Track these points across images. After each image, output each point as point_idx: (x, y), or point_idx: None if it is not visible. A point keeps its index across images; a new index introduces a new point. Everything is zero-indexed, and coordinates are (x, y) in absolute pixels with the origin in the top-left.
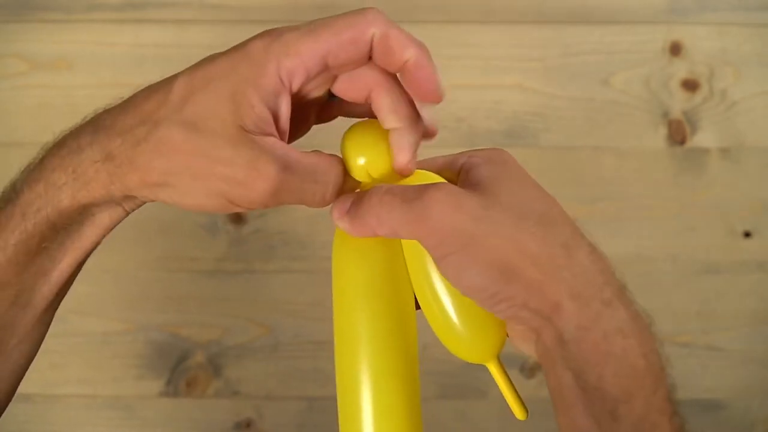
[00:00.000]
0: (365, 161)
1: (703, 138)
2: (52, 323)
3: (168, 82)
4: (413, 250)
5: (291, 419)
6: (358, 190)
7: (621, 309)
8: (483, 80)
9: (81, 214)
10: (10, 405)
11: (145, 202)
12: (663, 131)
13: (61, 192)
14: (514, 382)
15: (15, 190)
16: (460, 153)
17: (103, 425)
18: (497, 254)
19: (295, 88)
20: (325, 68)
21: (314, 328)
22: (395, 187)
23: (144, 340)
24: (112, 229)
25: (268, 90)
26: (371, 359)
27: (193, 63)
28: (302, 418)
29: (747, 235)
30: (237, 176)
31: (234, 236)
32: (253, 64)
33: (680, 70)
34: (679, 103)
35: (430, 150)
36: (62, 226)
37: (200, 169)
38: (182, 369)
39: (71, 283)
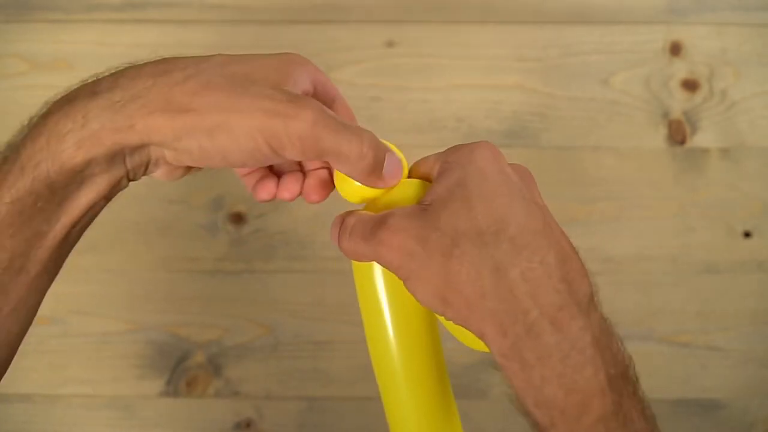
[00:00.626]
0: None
1: (703, 138)
2: (52, 323)
3: (204, 56)
4: None
5: (291, 419)
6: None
7: (546, 334)
8: (483, 80)
9: (81, 172)
10: (10, 405)
11: (148, 162)
12: (663, 131)
13: (64, 141)
14: None
15: (13, 147)
16: (443, 152)
17: (103, 425)
18: (431, 285)
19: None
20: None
21: (314, 328)
22: (358, 223)
23: (144, 340)
24: (108, 197)
25: (307, 76)
26: (405, 360)
27: None
28: (302, 418)
29: (747, 235)
30: (278, 108)
31: (234, 236)
32: (299, 57)
33: (680, 70)
34: (679, 103)
35: (431, 149)
36: (60, 186)
37: (242, 105)
38: (182, 369)
39: (68, 251)
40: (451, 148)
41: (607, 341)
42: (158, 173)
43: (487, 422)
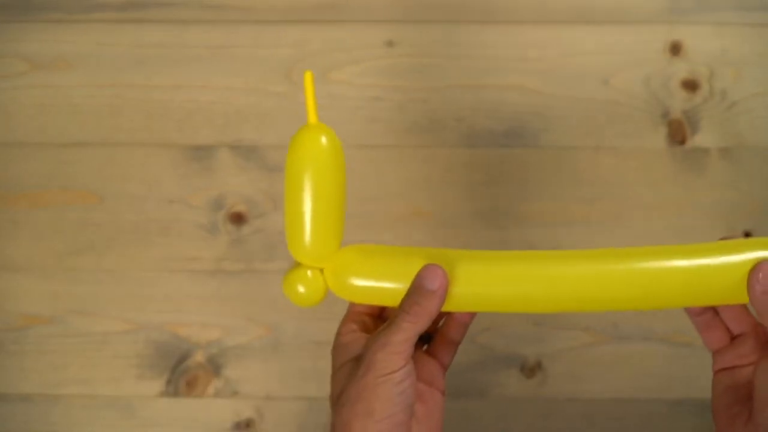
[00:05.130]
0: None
1: (703, 138)
2: (52, 323)
3: None
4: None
5: (291, 419)
6: None
7: None
8: (483, 80)
9: None
10: (10, 405)
11: None
12: (663, 131)
13: None
14: (510, 380)
15: None
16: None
17: (103, 425)
18: None
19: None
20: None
21: (314, 328)
22: None
23: (144, 340)
24: None
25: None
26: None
27: (192, 63)
28: (302, 418)
29: (747, 235)
30: None
31: (234, 236)
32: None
33: (680, 70)
34: (679, 103)
35: (431, 149)
36: None
37: None
38: (182, 369)
39: None
40: None
41: None
42: None
43: (487, 422)
